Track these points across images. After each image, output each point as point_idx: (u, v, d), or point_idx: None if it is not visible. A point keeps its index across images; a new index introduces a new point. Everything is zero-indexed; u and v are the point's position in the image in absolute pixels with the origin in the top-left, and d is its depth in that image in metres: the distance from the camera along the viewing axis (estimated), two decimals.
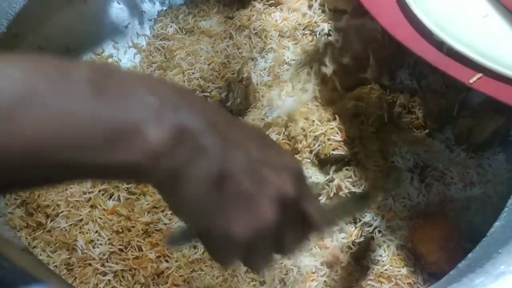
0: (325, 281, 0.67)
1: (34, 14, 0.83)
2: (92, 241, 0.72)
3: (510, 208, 0.56)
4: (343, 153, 0.73)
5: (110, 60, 0.96)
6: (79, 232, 0.73)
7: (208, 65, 0.89)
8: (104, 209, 0.75)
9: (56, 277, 0.51)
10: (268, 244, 0.36)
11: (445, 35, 0.59)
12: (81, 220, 0.74)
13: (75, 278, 0.71)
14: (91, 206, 0.75)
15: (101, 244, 0.72)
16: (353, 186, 0.71)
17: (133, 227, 0.73)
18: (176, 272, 0.69)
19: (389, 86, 0.81)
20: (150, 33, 1.01)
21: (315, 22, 0.90)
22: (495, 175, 0.72)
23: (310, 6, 0.92)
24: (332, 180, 0.71)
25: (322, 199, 0.71)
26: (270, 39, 0.90)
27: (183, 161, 0.32)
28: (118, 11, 0.99)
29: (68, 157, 0.30)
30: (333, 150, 0.72)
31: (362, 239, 0.69)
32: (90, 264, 0.70)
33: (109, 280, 0.70)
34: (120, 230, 0.73)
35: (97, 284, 0.70)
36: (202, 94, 0.87)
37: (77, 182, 0.73)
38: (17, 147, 0.29)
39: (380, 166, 0.72)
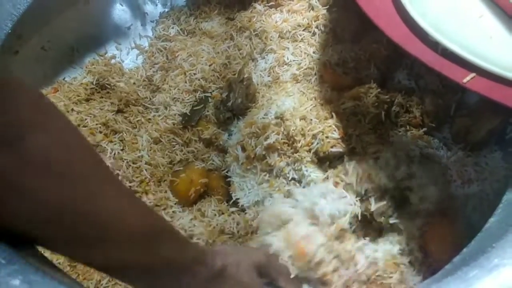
0: None
1: (37, 15, 0.84)
2: None
3: (505, 204, 0.57)
4: (341, 150, 0.74)
5: (113, 61, 0.97)
6: None
7: (210, 65, 0.90)
8: None
9: (61, 273, 0.52)
10: None
11: (440, 35, 0.59)
12: None
13: (78, 275, 0.72)
14: None
15: None
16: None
17: None
18: None
19: (387, 86, 0.83)
20: (152, 34, 1.02)
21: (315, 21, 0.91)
22: (491, 173, 0.73)
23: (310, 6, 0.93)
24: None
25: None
26: (271, 40, 0.91)
27: None
28: (120, 12, 1.01)
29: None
30: (331, 147, 0.73)
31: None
32: None
33: None
34: None
35: (99, 281, 0.71)
36: (204, 94, 0.88)
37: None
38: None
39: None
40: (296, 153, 0.76)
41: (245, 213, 0.78)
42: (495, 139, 0.76)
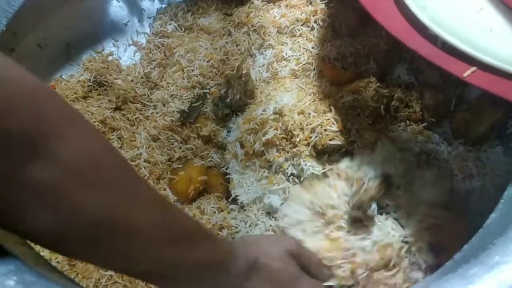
0: None
1: (33, 12, 0.83)
2: None
3: (506, 200, 0.56)
4: (339, 142, 0.73)
5: (110, 58, 0.97)
6: None
7: (208, 62, 0.89)
8: None
9: (58, 272, 0.51)
10: None
11: (440, 29, 0.59)
12: None
13: (77, 274, 0.72)
14: None
15: None
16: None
17: None
18: None
19: (387, 81, 0.82)
20: (150, 31, 1.01)
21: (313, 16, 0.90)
22: (492, 168, 0.73)
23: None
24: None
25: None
26: (269, 35, 0.91)
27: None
28: (117, 9, 1.00)
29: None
30: (330, 140, 0.73)
31: None
32: None
33: (111, 275, 0.71)
34: None
35: (99, 279, 0.71)
36: (202, 90, 0.88)
37: None
38: None
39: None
40: (294, 147, 0.75)
41: (245, 210, 0.78)
42: (496, 134, 0.75)
